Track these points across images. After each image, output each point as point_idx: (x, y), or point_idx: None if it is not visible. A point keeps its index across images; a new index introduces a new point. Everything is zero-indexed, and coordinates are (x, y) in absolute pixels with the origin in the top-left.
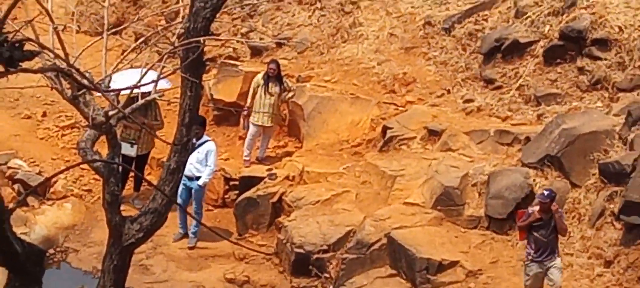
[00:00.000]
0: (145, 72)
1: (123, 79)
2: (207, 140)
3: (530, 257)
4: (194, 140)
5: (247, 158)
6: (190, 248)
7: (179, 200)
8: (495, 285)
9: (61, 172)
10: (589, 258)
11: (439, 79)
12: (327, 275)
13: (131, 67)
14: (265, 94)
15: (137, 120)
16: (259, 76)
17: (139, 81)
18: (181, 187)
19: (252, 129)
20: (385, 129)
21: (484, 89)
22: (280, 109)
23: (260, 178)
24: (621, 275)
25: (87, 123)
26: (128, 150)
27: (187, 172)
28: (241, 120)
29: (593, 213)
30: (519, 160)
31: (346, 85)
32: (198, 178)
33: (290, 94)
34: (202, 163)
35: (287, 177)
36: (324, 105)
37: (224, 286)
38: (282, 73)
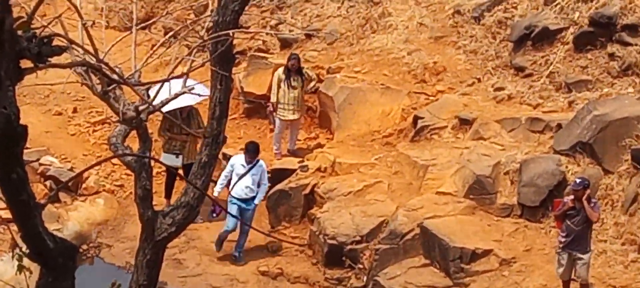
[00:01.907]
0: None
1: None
2: (259, 161)
3: (561, 245)
4: (248, 165)
5: (278, 151)
6: (241, 265)
7: (232, 222)
8: (529, 272)
9: (92, 166)
10: (623, 244)
11: (469, 67)
12: (361, 266)
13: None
14: (288, 88)
15: (178, 127)
16: (280, 71)
17: (171, 77)
18: (235, 209)
19: (279, 123)
20: (416, 118)
21: (514, 76)
22: (304, 100)
23: (292, 171)
24: None
25: (117, 118)
26: (173, 161)
27: (242, 194)
28: (268, 117)
29: (626, 200)
30: (550, 147)
31: (376, 76)
32: (253, 198)
33: (312, 83)
34: (256, 185)
35: (318, 169)
36: (355, 96)
37: (257, 279)
38: (307, 65)
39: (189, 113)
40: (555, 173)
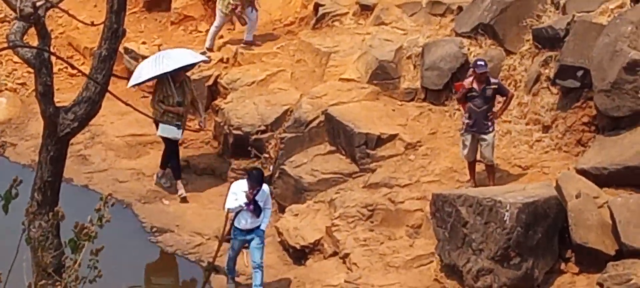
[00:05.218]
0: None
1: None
2: (262, 187)
3: (464, 126)
4: (253, 192)
5: (210, 48)
6: None
7: (231, 252)
8: (435, 155)
9: None
10: (527, 124)
11: None
12: (267, 156)
13: None
14: None
15: (171, 98)
16: None
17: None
18: (237, 244)
19: (221, 18)
20: (317, 6)
21: None
22: None
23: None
24: (560, 139)
25: (15, 15)
26: (174, 133)
27: (247, 225)
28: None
29: (529, 80)
30: (452, 30)
31: None
32: (258, 227)
33: None
34: (260, 212)
35: (221, 60)
36: None
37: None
38: None
39: (182, 82)
40: (458, 55)
